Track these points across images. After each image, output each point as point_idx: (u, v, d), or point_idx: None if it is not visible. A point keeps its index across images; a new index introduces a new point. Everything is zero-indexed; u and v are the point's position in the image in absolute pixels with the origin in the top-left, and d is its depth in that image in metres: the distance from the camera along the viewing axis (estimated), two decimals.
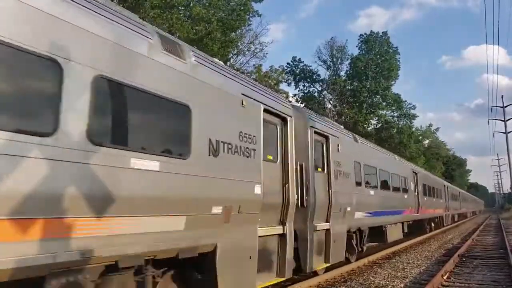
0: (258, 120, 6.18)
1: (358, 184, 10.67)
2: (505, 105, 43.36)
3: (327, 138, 8.91)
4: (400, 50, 41.00)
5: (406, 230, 17.04)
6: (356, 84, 38.54)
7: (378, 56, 39.66)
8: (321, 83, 40.85)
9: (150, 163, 4.10)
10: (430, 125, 62.36)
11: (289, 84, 39.49)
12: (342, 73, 41.32)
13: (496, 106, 44.77)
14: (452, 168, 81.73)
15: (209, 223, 4.88)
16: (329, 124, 9.56)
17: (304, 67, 40.11)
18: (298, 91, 40.27)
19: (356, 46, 41.20)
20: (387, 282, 8.79)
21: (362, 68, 38.41)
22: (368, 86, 37.72)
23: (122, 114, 4.05)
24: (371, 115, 39.66)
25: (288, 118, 7.13)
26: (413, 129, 46.57)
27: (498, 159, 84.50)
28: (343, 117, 37.98)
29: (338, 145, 9.31)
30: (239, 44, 25.77)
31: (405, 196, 16.14)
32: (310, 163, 7.75)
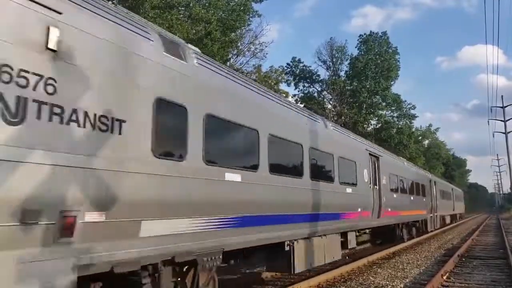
0: None
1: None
2: (504, 105, 43.34)
3: None
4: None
5: (352, 245, 10.97)
6: (356, 84, 38.52)
7: (377, 56, 39.62)
8: (320, 84, 40.87)
9: None
10: (430, 125, 62.46)
11: (288, 85, 39.54)
12: (342, 73, 41.36)
13: (496, 106, 44.76)
14: (452, 168, 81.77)
15: None
16: None
17: (304, 67, 40.12)
18: (298, 91, 40.31)
19: (356, 47, 41.23)
20: (387, 282, 8.80)
21: (362, 68, 38.39)
22: (367, 86, 37.69)
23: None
24: (371, 115, 39.64)
25: None
26: (413, 129, 46.58)
27: (498, 159, 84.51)
28: (342, 117, 37.98)
29: None
30: (239, 44, 25.82)
31: (348, 191, 10.07)
32: None
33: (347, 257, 12.23)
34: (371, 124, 41.13)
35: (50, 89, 3.51)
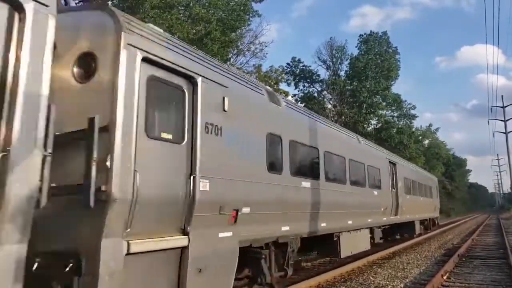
0: None
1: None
2: (504, 105, 43.38)
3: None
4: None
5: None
6: (356, 84, 38.50)
7: (377, 56, 39.62)
8: (321, 83, 40.85)
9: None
10: (430, 125, 62.43)
11: (288, 84, 39.49)
12: (342, 73, 41.34)
13: (496, 106, 44.82)
14: (453, 168, 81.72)
15: None
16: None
17: (304, 67, 40.11)
18: (298, 91, 40.29)
19: (356, 47, 41.22)
20: (387, 282, 8.80)
21: (362, 68, 38.37)
22: (368, 86, 37.67)
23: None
24: (371, 115, 39.62)
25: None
26: (413, 129, 46.53)
27: (498, 159, 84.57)
28: (343, 117, 37.97)
29: None
30: (239, 44, 25.79)
31: None
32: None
33: None
34: (371, 124, 41.15)
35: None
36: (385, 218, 14.01)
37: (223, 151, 5.58)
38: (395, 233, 18.12)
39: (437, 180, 29.62)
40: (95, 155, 3.83)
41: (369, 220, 12.18)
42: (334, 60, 41.52)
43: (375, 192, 12.75)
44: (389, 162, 15.26)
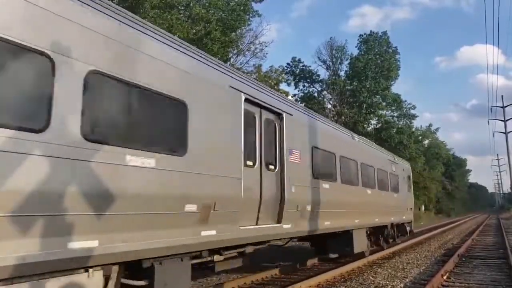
0: None
1: None
2: (504, 105, 43.42)
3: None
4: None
5: None
6: (356, 84, 38.49)
7: (377, 56, 39.60)
8: (320, 83, 40.85)
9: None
10: (430, 125, 62.40)
11: (288, 84, 39.48)
12: (342, 73, 41.32)
13: (496, 106, 44.89)
14: (453, 168, 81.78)
15: None
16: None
17: (304, 67, 40.11)
18: (298, 91, 40.30)
19: (356, 47, 41.19)
20: (387, 282, 8.80)
21: (362, 68, 38.35)
22: (367, 86, 37.66)
23: None
24: (371, 115, 39.60)
25: None
26: (413, 129, 46.52)
27: (498, 159, 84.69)
28: (342, 117, 37.96)
29: None
30: (239, 44, 25.79)
31: None
32: None
33: None
34: (371, 124, 41.12)
35: None
36: (212, 231, 5.54)
37: None
38: (327, 249, 11.03)
39: (410, 168, 19.60)
40: None
41: (111, 245, 4.05)
42: (334, 60, 41.53)
43: (148, 161, 4.46)
44: (252, 102, 6.78)
